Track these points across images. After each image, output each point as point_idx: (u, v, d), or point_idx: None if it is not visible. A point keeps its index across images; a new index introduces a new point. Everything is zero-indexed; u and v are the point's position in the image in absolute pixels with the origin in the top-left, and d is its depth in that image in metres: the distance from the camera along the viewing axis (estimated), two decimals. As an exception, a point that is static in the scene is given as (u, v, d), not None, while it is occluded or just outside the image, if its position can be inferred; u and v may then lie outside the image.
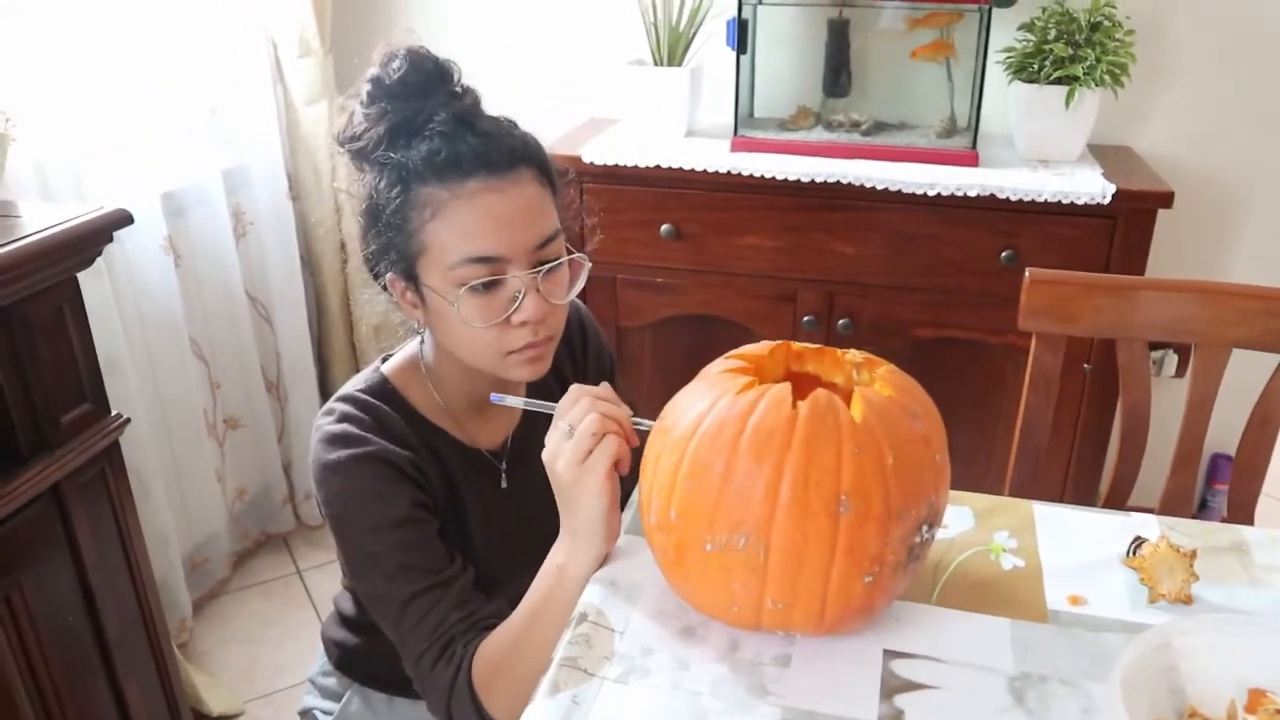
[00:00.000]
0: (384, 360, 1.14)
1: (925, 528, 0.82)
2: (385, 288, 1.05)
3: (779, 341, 0.92)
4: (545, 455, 0.93)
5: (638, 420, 0.94)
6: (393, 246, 1.00)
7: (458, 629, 1.00)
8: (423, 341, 1.11)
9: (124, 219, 1.35)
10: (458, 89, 1.02)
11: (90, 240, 1.31)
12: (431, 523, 1.04)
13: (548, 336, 1.02)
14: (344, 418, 1.04)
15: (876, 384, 0.85)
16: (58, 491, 1.31)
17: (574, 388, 0.94)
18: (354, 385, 1.09)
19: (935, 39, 2.03)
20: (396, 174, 0.98)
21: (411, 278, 1.01)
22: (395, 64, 0.99)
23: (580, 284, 1.06)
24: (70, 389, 1.33)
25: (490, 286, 0.98)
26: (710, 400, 0.82)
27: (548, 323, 1.01)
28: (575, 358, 1.24)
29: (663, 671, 0.83)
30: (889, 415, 0.81)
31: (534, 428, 1.18)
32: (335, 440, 1.02)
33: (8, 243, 1.20)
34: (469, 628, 1.00)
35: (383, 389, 1.09)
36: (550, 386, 1.20)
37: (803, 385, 0.86)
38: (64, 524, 1.33)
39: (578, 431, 0.90)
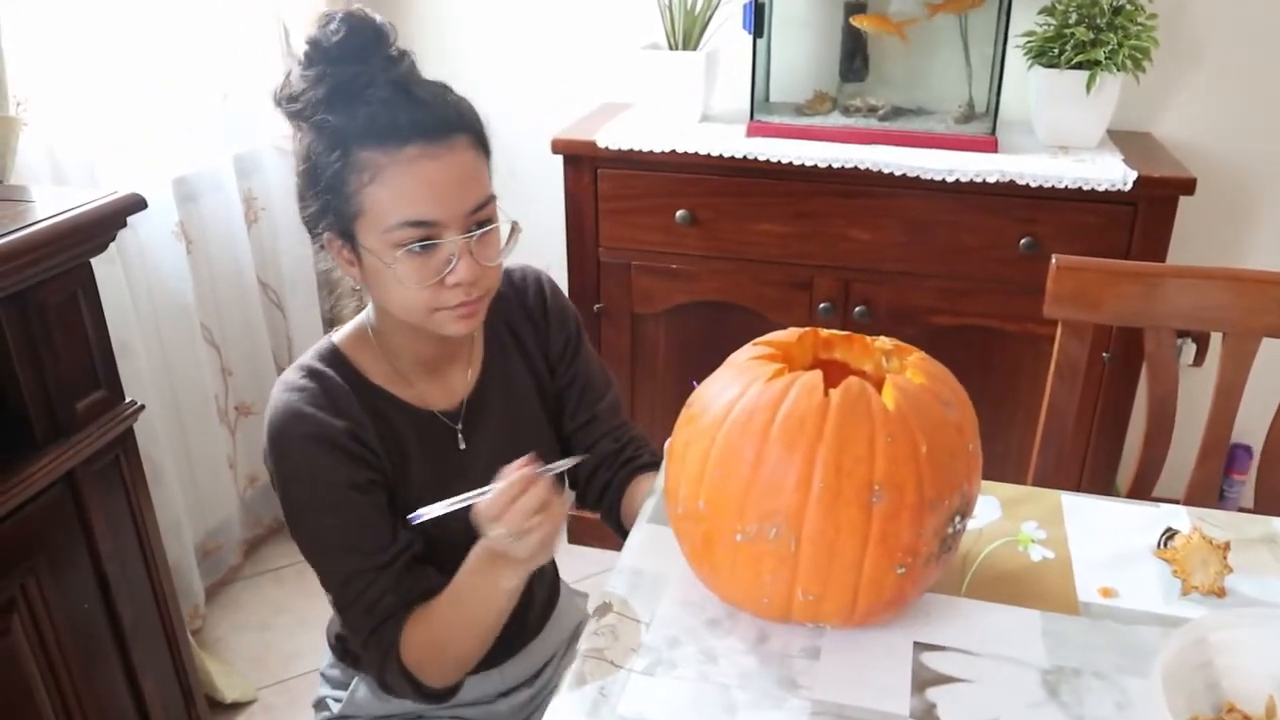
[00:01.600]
0: (336, 330, 1.15)
1: (958, 518, 0.81)
2: (322, 246, 1.07)
3: (807, 328, 0.91)
4: (483, 550, 1.00)
5: (549, 467, 0.97)
6: (330, 208, 1.01)
7: (391, 608, 1.05)
8: (367, 306, 1.13)
9: (137, 204, 1.33)
10: (394, 53, 1.02)
11: (104, 225, 1.30)
12: (372, 499, 1.06)
13: (479, 296, 1.05)
14: (290, 387, 1.06)
15: (908, 371, 0.84)
16: (72, 479, 1.30)
17: (493, 495, 0.94)
18: (305, 355, 1.12)
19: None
20: (335, 137, 0.99)
21: (348, 237, 1.02)
22: (333, 26, 0.99)
23: (513, 246, 1.08)
24: (84, 375, 1.32)
25: (426, 249, 1.00)
26: (740, 388, 0.80)
27: (480, 283, 1.03)
28: (536, 324, 1.24)
29: (690, 664, 0.82)
30: (922, 403, 0.79)
31: (491, 387, 1.19)
32: (280, 414, 1.05)
33: (21, 228, 1.19)
34: (400, 607, 1.05)
35: (331, 356, 1.11)
36: (508, 350, 1.22)
37: (831, 373, 0.84)
38: (79, 511, 1.32)
39: (520, 542, 0.93)
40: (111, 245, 1.34)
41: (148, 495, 1.46)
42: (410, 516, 0.97)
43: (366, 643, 1.06)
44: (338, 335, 1.14)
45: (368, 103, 0.98)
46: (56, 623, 1.28)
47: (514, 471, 0.93)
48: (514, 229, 1.08)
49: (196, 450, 2.12)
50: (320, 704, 1.29)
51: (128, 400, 1.40)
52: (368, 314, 1.13)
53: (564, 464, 1.00)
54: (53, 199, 1.29)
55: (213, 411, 2.12)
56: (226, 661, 2.04)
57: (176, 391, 2.04)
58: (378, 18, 1.02)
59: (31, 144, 1.60)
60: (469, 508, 0.94)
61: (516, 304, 1.22)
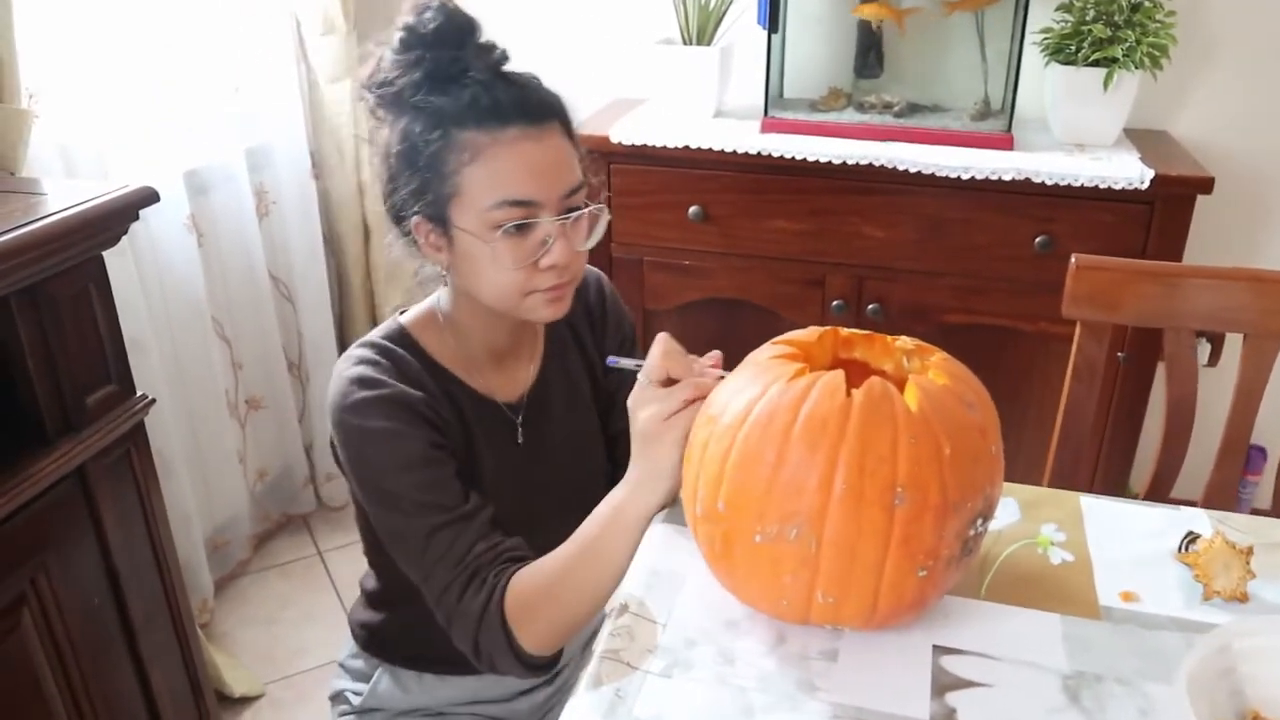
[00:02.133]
0: (401, 312, 1.16)
1: (979, 521, 0.80)
2: (408, 233, 1.08)
3: (827, 327, 0.90)
4: (630, 401, 0.96)
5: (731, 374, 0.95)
6: (427, 188, 1.02)
7: (483, 559, 1.02)
8: (444, 287, 1.14)
9: (150, 197, 1.33)
10: (486, 42, 1.05)
11: (116, 218, 1.29)
12: (449, 463, 1.06)
13: (569, 279, 1.07)
14: (361, 361, 1.07)
15: (930, 372, 0.82)
16: (83, 473, 1.30)
17: (663, 343, 0.97)
18: (372, 334, 1.12)
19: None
20: (436, 118, 1.01)
21: (441, 220, 1.03)
22: (429, 14, 1.02)
23: (599, 233, 1.10)
24: (96, 369, 1.32)
25: (522, 230, 1.02)
26: (760, 387, 0.79)
27: (571, 267, 1.05)
28: (595, 324, 1.25)
29: (707, 665, 0.81)
30: (944, 405, 0.78)
31: (551, 384, 1.20)
32: (353, 383, 1.04)
33: (33, 221, 1.18)
34: (494, 559, 1.02)
35: (401, 337, 1.11)
36: (568, 347, 1.23)
37: (851, 372, 0.83)
38: (89, 506, 1.31)
39: (671, 393, 0.94)
40: (123, 238, 1.34)
41: (158, 489, 1.45)
42: (608, 360, 1.06)
43: (462, 597, 1.01)
44: (405, 317, 1.14)
45: (467, 85, 1.01)
46: (66, 617, 1.28)
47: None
48: (598, 216, 1.10)
49: (206, 444, 2.12)
50: (338, 697, 1.29)
51: (139, 394, 1.39)
52: (440, 299, 1.14)
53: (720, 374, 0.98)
54: (65, 192, 1.29)
55: (223, 405, 2.12)
56: (234, 655, 2.04)
57: (187, 385, 2.04)
58: (467, 10, 1.05)
59: (43, 136, 1.59)
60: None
61: (578, 303, 1.22)
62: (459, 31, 1.03)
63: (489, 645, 1.01)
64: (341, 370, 1.07)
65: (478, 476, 1.12)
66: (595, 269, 1.27)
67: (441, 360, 1.12)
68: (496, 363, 1.16)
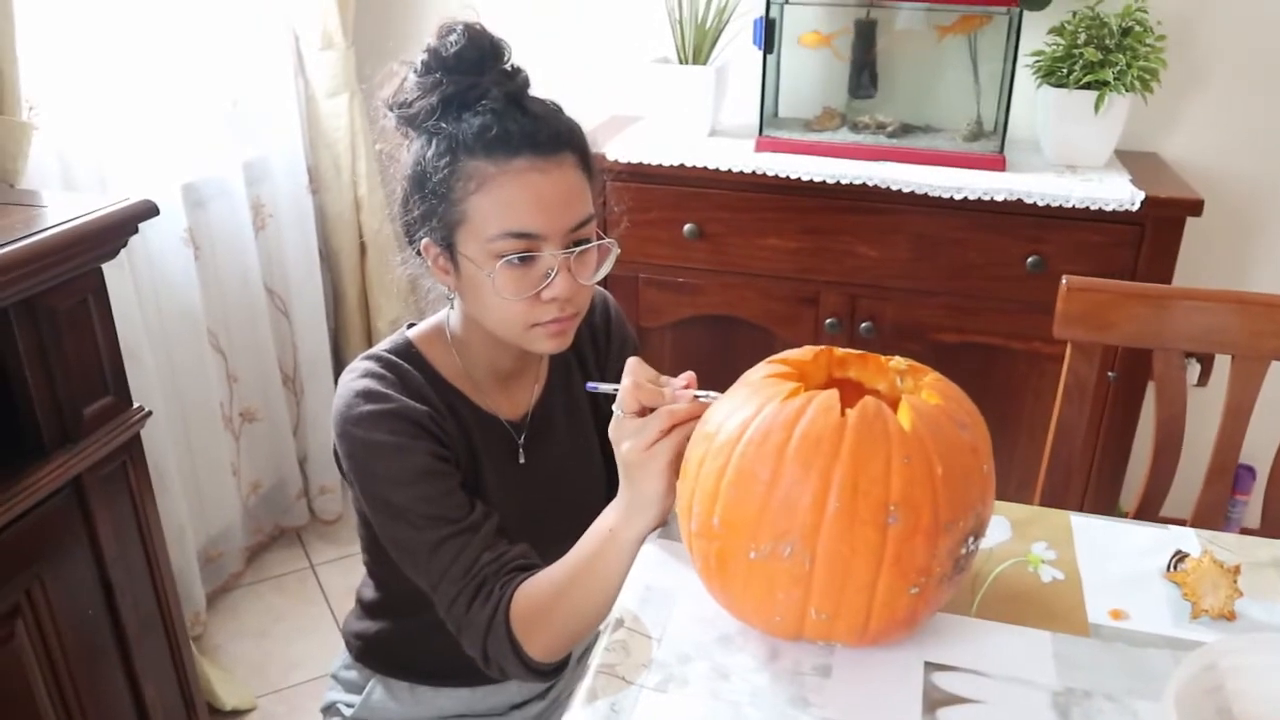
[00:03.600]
0: (409, 326, 1.16)
1: (971, 539, 0.81)
2: (419, 253, 1.08)
3: (822, 347, 0.91)
4: (610, 433, 0.96)
5: (704, 393, 0.95)
6: (434, 213, 1.03)
7: (489, 570, 1.02)
8: (451, 309, 1.14)
9: (149, 210, 1.34)
10: (509, 68, 1.05)
11: (116, 231, 1.30)
12: (454, 474, 1.06)
13: (573, 313, 1.06)
14: (367, 374, 1.07)
15: (923, 392, 0.84)
16: (79, 484, 1.30)
17: (632, 373, 0.95)
18: (379, 347, 1.13)
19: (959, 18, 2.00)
20: (446, 144, 1.01)
21: (448, 245, 1.04)
22: (453, 38, 1.02)
23: (607, 267, 1.10)
24: (93, 381, 1.32)
25: (525, 261, 1.01)
26: (755, 406, 0.80)
27: (575, 300, 1.05)
28: (599, 343, 1.26)
29: (702, 680, 0.82)
30: (938, 424, 0.79)
31: (554, 405, 1.20)
32: (358, 396, 1.05)
33: (33, 233, 1.19)
34: (500, 569, 1.03)
35: (407, 351, 1.12)
36: (571, 368, 1.23)
37: (845, 392, 0.84)
38: (85, 517, 1.32)
39: (646, 423, 0.93)
40: (121, 251, 1.34)
41: (153, 502, 1.46)
42: (587, 385, 1.04)
43: (470, 608, 1.02)
44: (413, 331, 1.15)
45: (480, 113, 1.01)
46: (60, 628, 1.28)
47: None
48: (606, 250, 1.09)
49: (200, 457, 2.12)
50: (330, 709, 1.29)
51: (135, 406, 1.40)
52: (449, 317, 1.15)
53: (712, 394, 0.95)
54: (65, 204, 1.29)
55: (217, 418, 2.12)
56: (226, 668, 2.04)
57: (182, 397, 2.05)
58: (495, 34, 1.05)
59: (42, 149, 1.60)
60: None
61: (582, 324, 1.22)
62: (481, 56, 1.03)
63: (497, 654, 1.02)
64: (347, 383, 1.07)
65: (481, 492, 1.13)
66: (601, 289, 1.27)
67: (447, 376, 1.13)
68: (501, 382, 1.17)
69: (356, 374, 1.07)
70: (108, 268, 1.34)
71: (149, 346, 1.85)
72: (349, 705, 1.27)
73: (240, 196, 2.11)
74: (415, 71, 1.04)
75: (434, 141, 1.02)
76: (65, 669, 1.30)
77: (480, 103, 1.01)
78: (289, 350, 2.38)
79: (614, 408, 0.95)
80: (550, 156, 1.01)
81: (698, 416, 0.91)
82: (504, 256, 1.00)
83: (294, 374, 2.41)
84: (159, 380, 1.91)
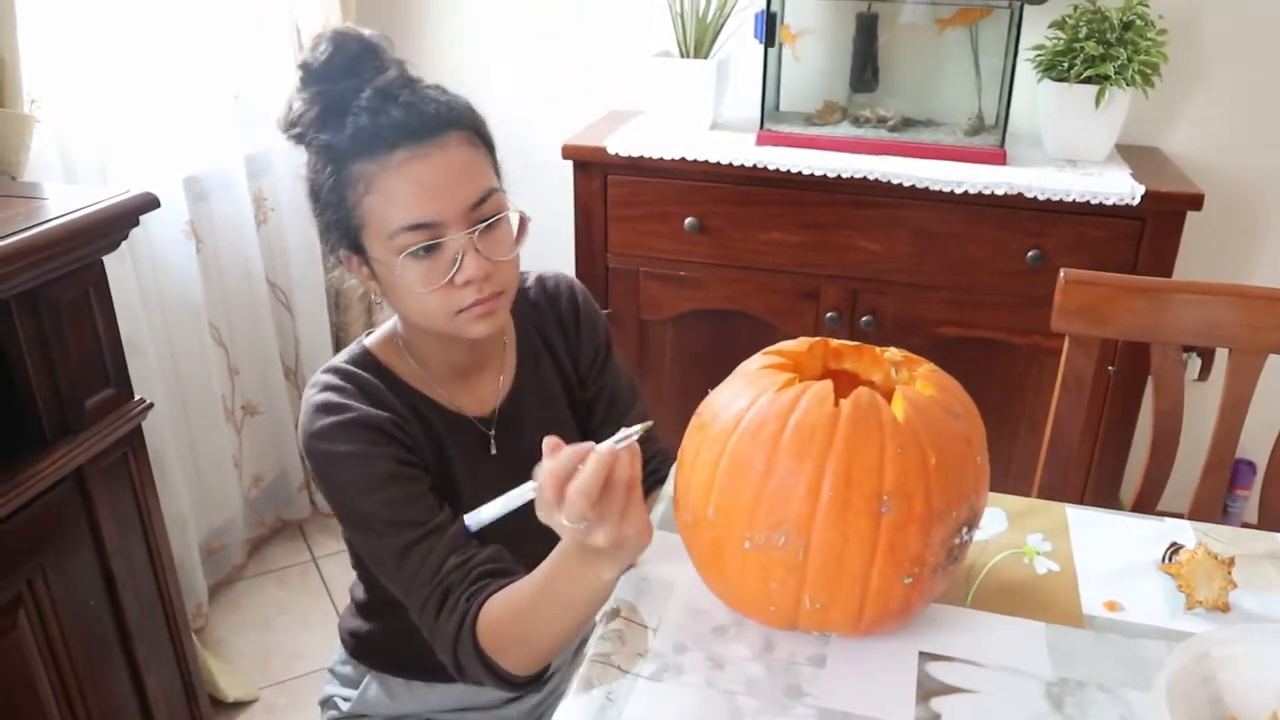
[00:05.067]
0: (367, 335, 1.16)
1: (965, 529, 0.81)
2: (340, 262, 1.08)
3: (817, 338, 0.91)
4: (569, 541, 0.87)
5: (621, 436, 0.84)
6: (335, 225, 1.02)
7: (454, 577, 1.01)
8: (396, 316, 1.13)
9: (150, 203, 1.34)
10: (382, 63, 1.02)
11: (117, 223, 1.30)
12: (420, 478, 1.05)
13: (494, 292, 1.03)
14: (325, 387, 1.06)
15: (917, 383, 0.84)
16: (80, 476, 1.31)
17: (546, 479, 0.82)
18: (337, 358, 1.12)
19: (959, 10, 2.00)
20: (328, 154, 1.00)
21: (360, 251, 1.03)
22: (321, 47, 1.00)
23: (524, 239, 1.06)
24: (94, 373, 1.33)
25: (430, 251, 0.99)
26: (750, 397, 0.81)
27: (493, 279, 1.02)
28: (568, 330, 1.24)
29: (697, 670, 0.82)
30: (931, 415, 0.80)
31: (523, 394, 1.19)
32: (318, 409, 1.04)
33: (35, 225, 1.19)
34: (465, 575, 1.01)
35: (364, 360, 1.11)
36: (541, 358, 1.21)
37: (840, 383, 0.85)
38: (86, 508, 1.32)
39: (609, 506, 0.80)
40: (122, 243, 1.35)
41: (155, 494, 1.46)
42: (465, 517, 0.91)
43: (438, 616, 1.00)
44: (370, 339, 1.14)
45: (354, 114, 0.98)
46: (62, 619, 1.29)
47: (553, 451, 0.82)
48: (523, 221, 1.06)
49: (202, 449, 2.12)
50: (328, 702, 1.30)
51: (137, 398, 1.41)
52: (396, 323, 1.14)
53: (634, 431, 0.84)
54: (66, 197, 1.30)
55: (219, 411, 2.12)
56: (228, 660, 2.04)
57: (184, 390, 2.05)
58: (366, 32, 1.03)
59: (44, 141, 1.60)
60: (529, 505, 0.85)
61: (549, 312, 1.22)
62: (352, 59, 1.00)
63: (468, 665, 1.00)
64: (308, 397, 1.06)
65: (454, 492, 1.11)
66: (567, 275, 1.25)
67: (408, 379, 1.11)
68: (462, 378, 1.15)
69: (316, 388, 1.07)
70: (109, 260, 1.34)
71: (150, 339, 1.85)
72: (346, 699, 1.27)
73: (242, 189, 2.12)
74: (296, 87, 1.02)
75: (319, 153, 1.01)
76: (67, 660, 1.30)
77: (353, 105, 0.99)
78: (290, 343, 2.39)
79: (565, 523, 0.82)
80: (428, 141, 0.98)
81: (633, 462, 0.82)
82: (406, 250, 0.98)
83: (295, 367, 2.41)
84: (160, 372, 1.91)
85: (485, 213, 1.01)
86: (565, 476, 0.80)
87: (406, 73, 1.04)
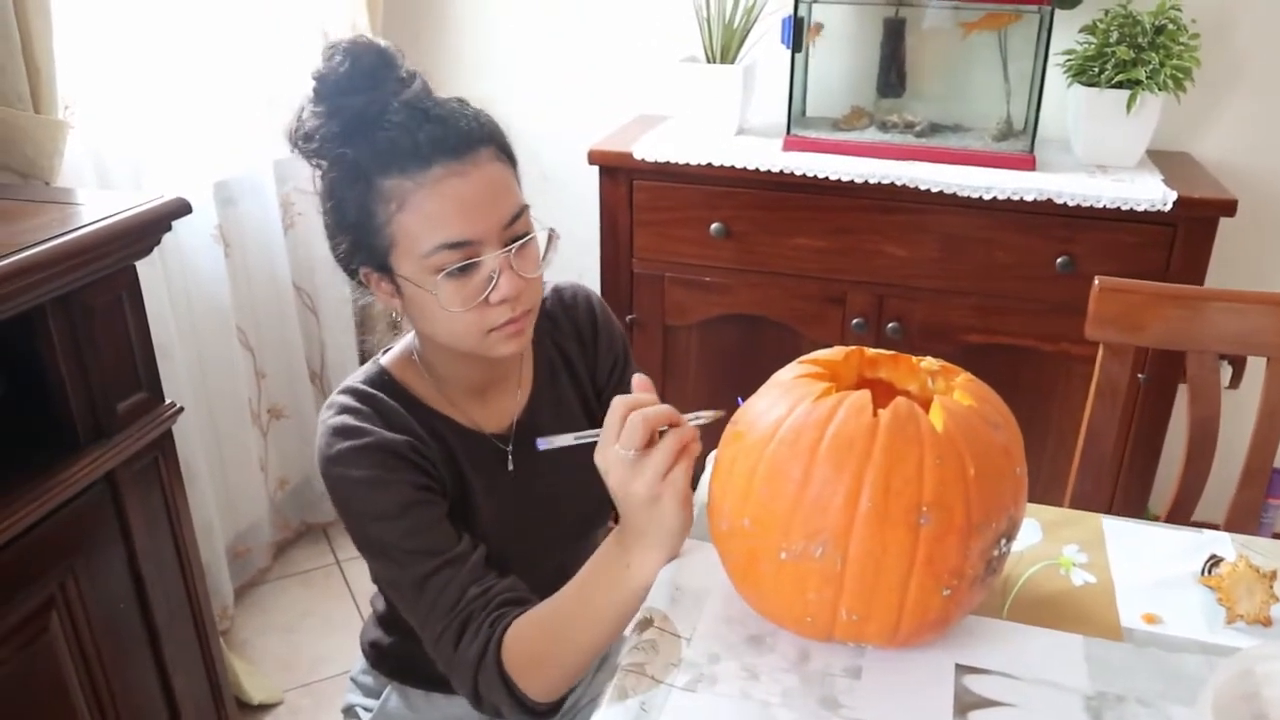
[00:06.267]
0: (383, 353, 1.14)
1: (1003, 541, 0.80)
2: (360, 282, 1.05)
3: (853, 347, 0.90)
4: (612, 482, 0.87)
5: (694, 415, 0.90)
6: (362, 244, 0.99)
7: (475, 605, 0.99)
8: (413, 333, 1.11)
9: (183, 208, 1.35)
10: (404, 74, 1.00)
11: (150, 229, 1.31)
12: (439, 504, 1.04)
13: (525, 311, 1.02)
14: (343, 409, 1.04)
15: (955, 393, 0.83)
16: (112, 479, 1.32)
17: (617, 404, 0.87)
18: (353, 378, 1.09)
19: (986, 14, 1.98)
20: (356, 170, 0.97)
21: (385, 270, 1.00)
22: (338, 58, 0.98)
23: (553, 255, 1.06)
24: (127, 377, 1.34)
25: (465, 270, 0.97)
26: (787, 406, 0.80)
27: (523, 298, 1.01)
28: (585, 341, 1.22)
29: (732, 680, 0.82)
30: (970, 425, 0.79)
31: (540, 409, 1.17)
32: (335, 433, 1.02)
33: (69, 231, 1.20)
34: (486, 604, 0.99)
35: (381, 380, 1.09)
36: (557, 370, 1.20)
37: (877, 392, 0.84)
38: (118, 511, 1.33)
39: (659, 450, 0.85)
40: (154, 248, 1.36)
41: (184, 497, 1.47)
42: (538, 441, 0.92)
43: (457, 645, 0.99)
44: (385, 358, 1.12)
45: (385, 128, 0.96)
46: (93, 620, 1.30)
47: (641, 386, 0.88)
48: (551, 237, 1.05)
49: (229, 452, 2.14)
50: (350, 711, 1.30)
51: (168, 402, 1.41)
52: (413, 341, 1.12)
53: (706, 415, 0.89)
54: (100, 202, 1.31)
55: (246, 414, 2.14)
56: (253, 663, 2.05)
57: (211, 394, 2.06)
58: (381, 41, 1.00)
59: (78, 147, 1.62)
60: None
61: (567, 323, 1.20)
62: (371, 70, 0.98)
63: (489, 693, 0.98)
64: (325, 420, 1.04)
65: (472, 510, 1.10)
66: (584, 286, 1.24)
67: (424, 398, 1.09)
68: (480, 395, 1.13)
69: (333, 410, 1.04)
70: (142, 265, 1.35)
71: (179, 343, 1.87)
72: (367, 709, 1.27)
73: (270, 194, 2.13)
74: (310, 101, 0.99)
75: (343, 169, 0.98)
76: (97, 660, 1.31)
77: (382, 118, 0.96)
78: (317, 347, 2.40)
79: (616, 450, 0.85)
80: (465, 157, 0.96)
81: (695, 439, 0.87)
82: (443, 270, 0.96)
83: (321, 371, 2.42)
84: (189, 376, 1.92)
85: (518, 230, 1.00)
86: (636, 407, 0.85)
87: (428, 85, 1.02)
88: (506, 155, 1.03)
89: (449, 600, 1.00)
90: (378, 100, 0.97)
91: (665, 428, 0.86)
